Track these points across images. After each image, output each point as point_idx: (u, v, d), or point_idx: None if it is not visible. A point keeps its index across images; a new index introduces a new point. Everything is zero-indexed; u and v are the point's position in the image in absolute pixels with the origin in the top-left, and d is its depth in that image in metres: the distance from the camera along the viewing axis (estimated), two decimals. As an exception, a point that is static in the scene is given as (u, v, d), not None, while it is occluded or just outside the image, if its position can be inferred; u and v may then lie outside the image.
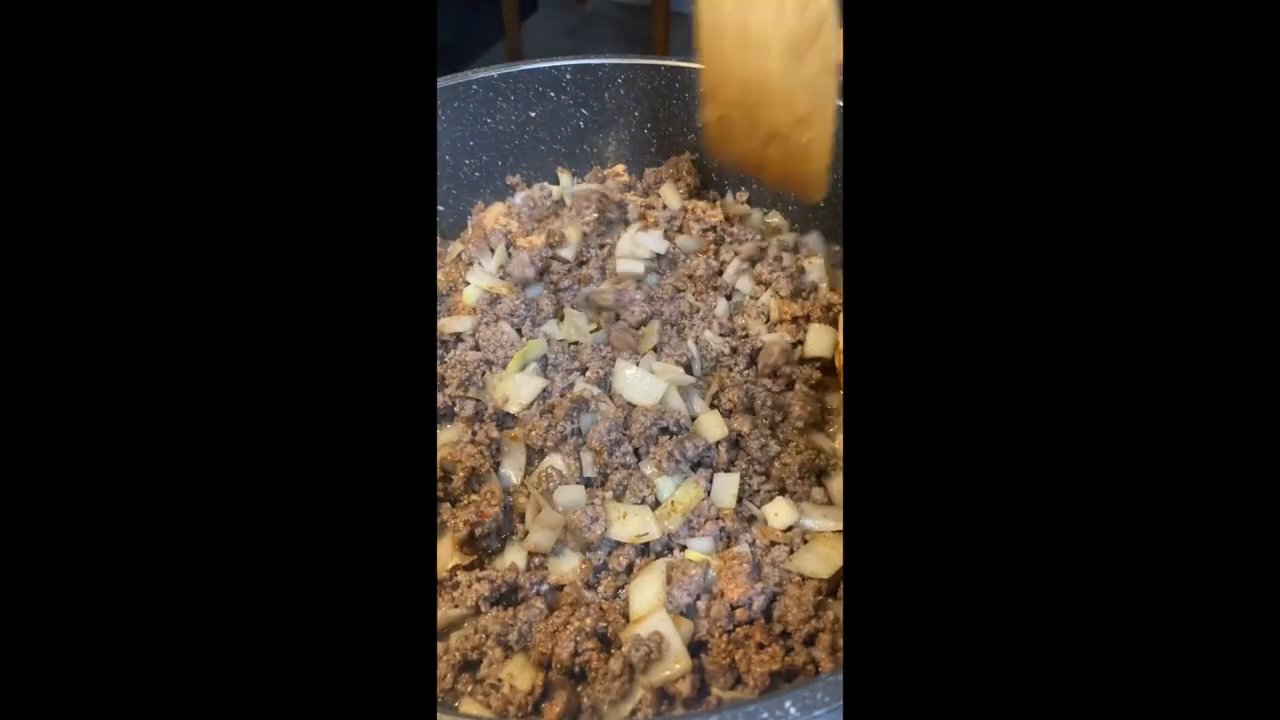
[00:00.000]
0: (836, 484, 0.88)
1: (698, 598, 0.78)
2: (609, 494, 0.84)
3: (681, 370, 0.95)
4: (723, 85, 0.84)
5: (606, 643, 0.75)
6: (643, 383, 0.91)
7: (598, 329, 1.02)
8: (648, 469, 0.86)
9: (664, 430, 0.88)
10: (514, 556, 0.81)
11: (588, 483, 0.86)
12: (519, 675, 0.72)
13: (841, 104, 1.05)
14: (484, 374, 0.94)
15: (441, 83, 1.14)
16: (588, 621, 0.75)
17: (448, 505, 0.84)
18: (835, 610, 0.76)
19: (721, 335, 1.01)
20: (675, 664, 0.71)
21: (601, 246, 1.13)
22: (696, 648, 0.76)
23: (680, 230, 1.15)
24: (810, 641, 0.74)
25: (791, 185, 0.88)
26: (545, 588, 0.80)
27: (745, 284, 1.08)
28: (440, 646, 0.75)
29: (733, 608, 0.77)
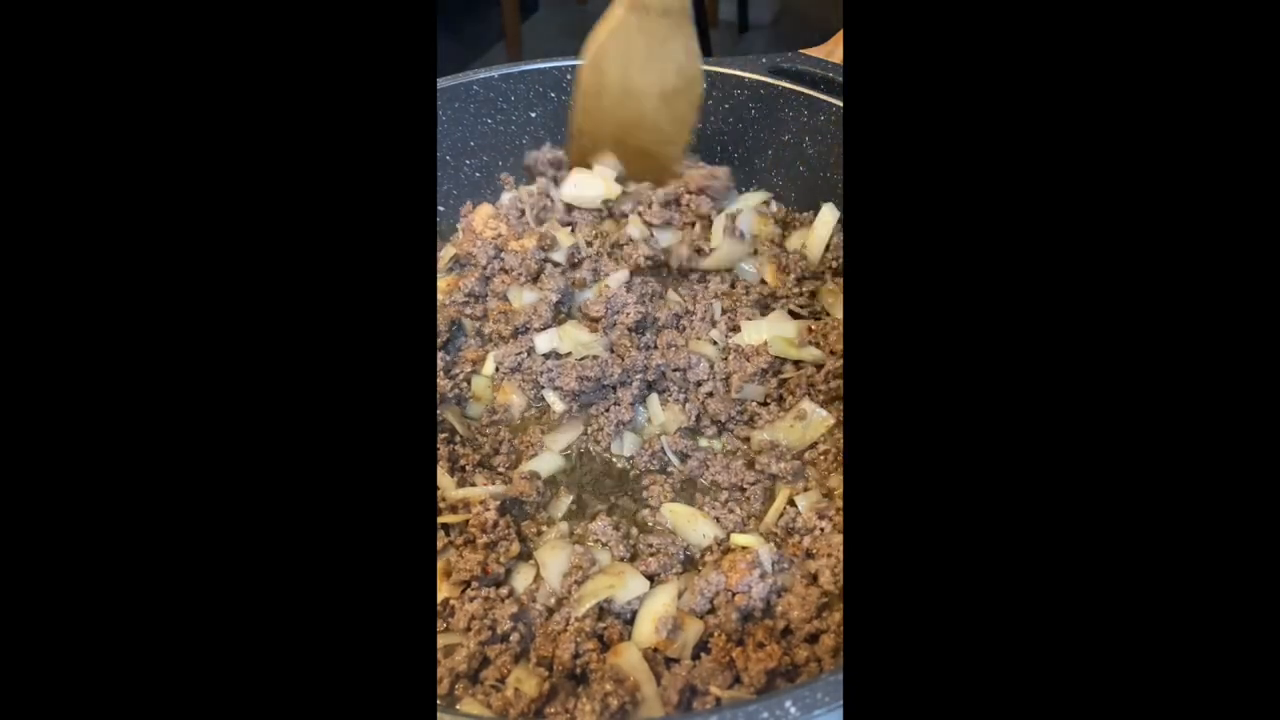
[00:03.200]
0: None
1: (714, 597, 0.78)
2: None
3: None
4: (595, 126, 1.08)
5: (606, 645, 0.75)
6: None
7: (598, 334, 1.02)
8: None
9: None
10: (519, 582, 0.81)
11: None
12: (525, 681, 0.72)
13: (842, 104, 1.06)
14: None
15: (442, 83, 1.14)
16: (587, 623, 0.75)
17: (457, 547, 0.82)
18: (840, 615, 0.76)
19: (726, 332, 1.01)
20: (652, 712, 0.71)
21: (589, 244, 1.13)
22: (698, 649, 0.76)
23: (668, 225, 1.15)
24: (813, 639, 0.75)
25: (651, 177, 1.11)
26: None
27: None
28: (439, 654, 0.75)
29: (732, 594, 0.77)
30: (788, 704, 0.55)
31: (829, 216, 1.09)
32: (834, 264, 1.08)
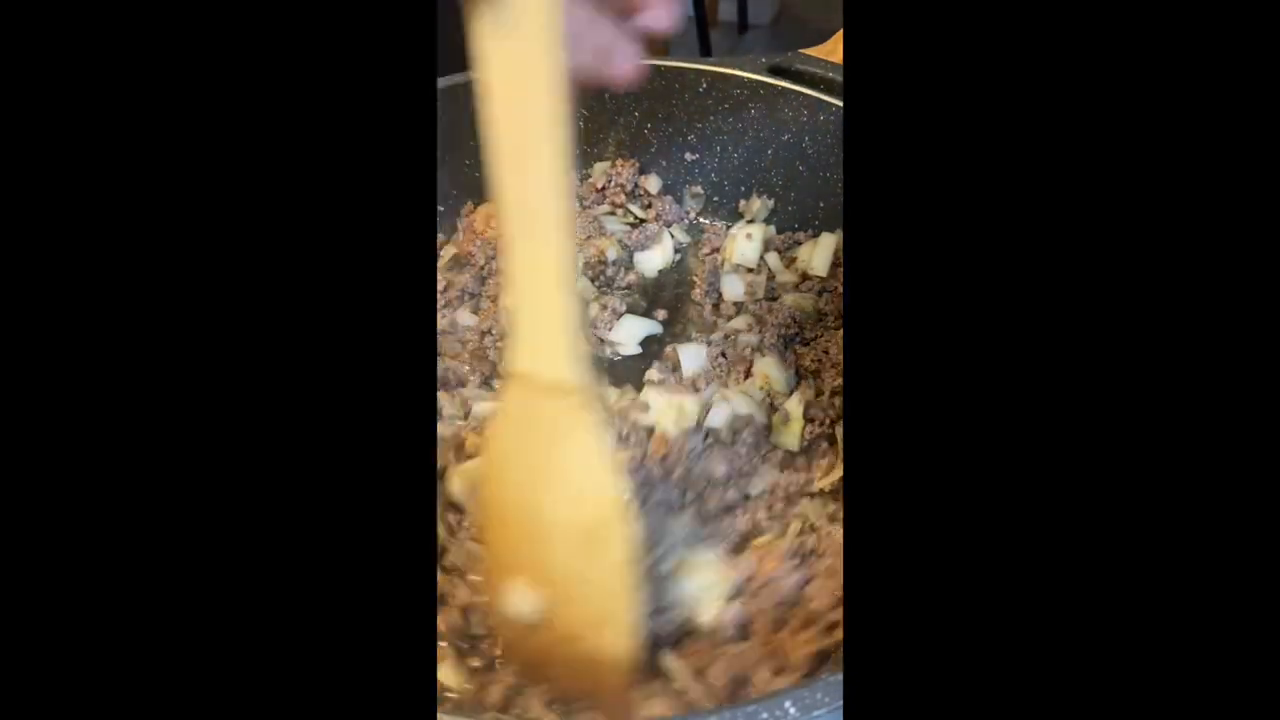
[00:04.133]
0: None
1: (745, 583, 0.78)
2: None
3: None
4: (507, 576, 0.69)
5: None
6: None
7: None
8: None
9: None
10: None
11: None
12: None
13: (842, 104, 1.06)
14: None
15: (441, 83, 1.13)
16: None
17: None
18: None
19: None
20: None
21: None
22: (739, 633, 0.76)
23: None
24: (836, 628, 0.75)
25: (581, 698, 0.70)
26: None
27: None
28: None
29: (764, 583, 0.77)
30: (787, 704, 0.54)
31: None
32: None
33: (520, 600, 0.68)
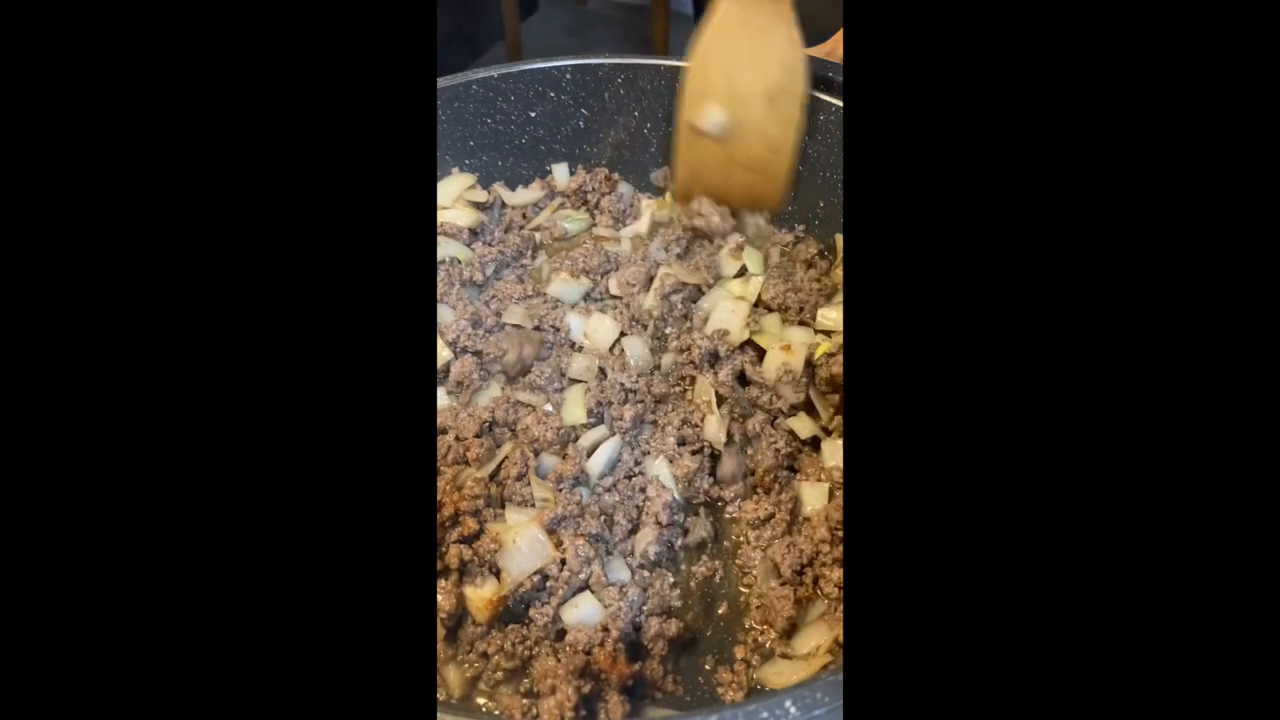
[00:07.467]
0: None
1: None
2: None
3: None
4: (698, 143, 1.07)
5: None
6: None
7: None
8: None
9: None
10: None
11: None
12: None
13: (842, 104, 1.06)
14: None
15: (441, 83, 1.14)
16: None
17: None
18: None
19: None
20: None
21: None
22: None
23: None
24: None
25: (756, 202, 1.12)
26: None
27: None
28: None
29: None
30: (788, 704, 0.55)
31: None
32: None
33: (712, 116, 1.04)
